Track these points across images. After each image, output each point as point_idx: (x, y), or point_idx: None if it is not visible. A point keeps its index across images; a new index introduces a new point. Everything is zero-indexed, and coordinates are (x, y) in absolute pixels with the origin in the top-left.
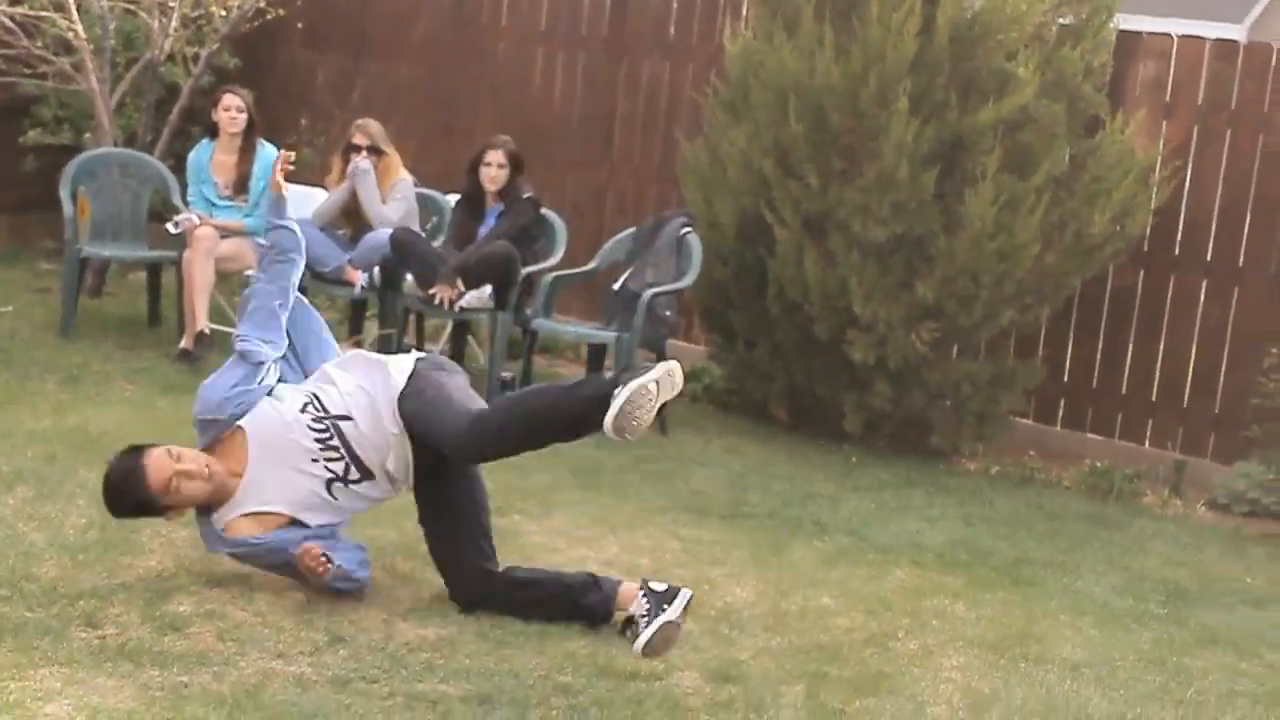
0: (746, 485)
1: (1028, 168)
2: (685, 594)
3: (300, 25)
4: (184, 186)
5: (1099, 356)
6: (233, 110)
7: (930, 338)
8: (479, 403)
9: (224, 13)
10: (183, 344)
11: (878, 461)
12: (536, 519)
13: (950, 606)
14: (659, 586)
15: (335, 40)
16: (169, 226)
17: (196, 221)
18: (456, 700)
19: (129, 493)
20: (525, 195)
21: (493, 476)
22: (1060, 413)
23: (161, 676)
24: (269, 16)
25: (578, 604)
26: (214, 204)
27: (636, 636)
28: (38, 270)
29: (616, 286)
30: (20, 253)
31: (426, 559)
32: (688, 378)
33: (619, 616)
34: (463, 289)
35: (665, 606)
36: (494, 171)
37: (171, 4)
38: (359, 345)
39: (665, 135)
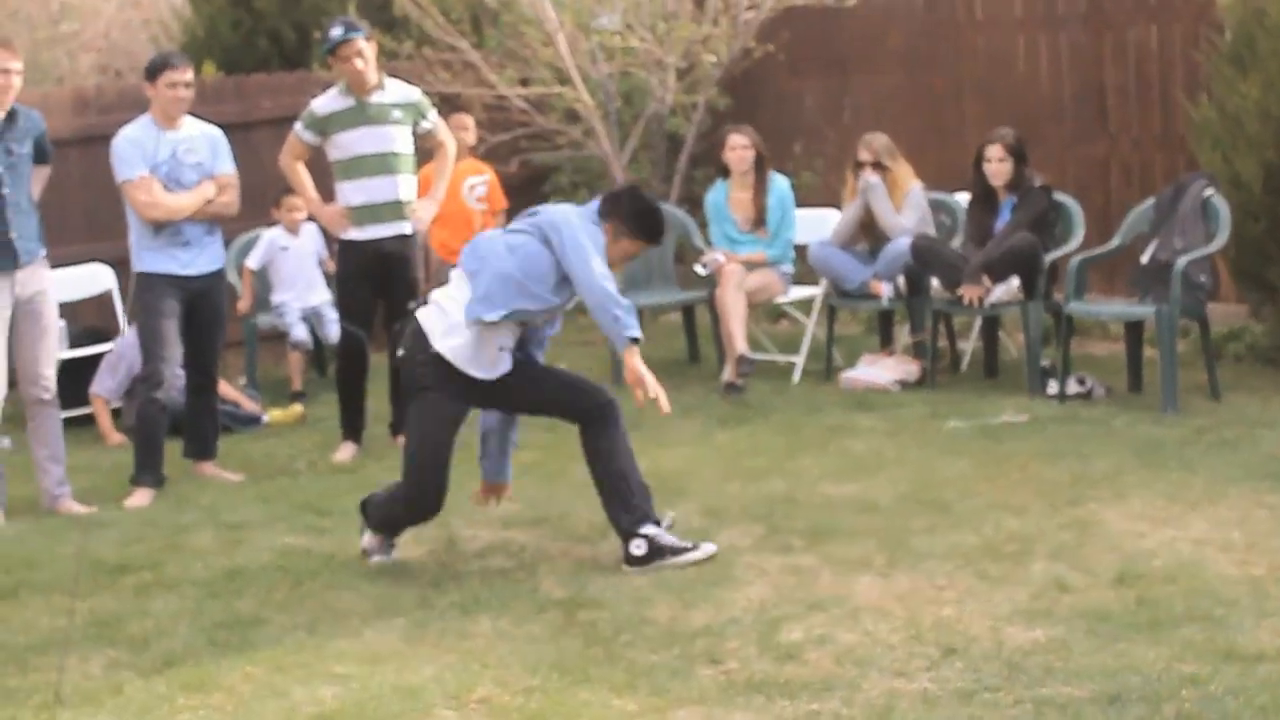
0: None
1: None
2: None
3: (783, 57)
4: (703, 227)
5: None
6: (739, 149)
7: None
8: None
9: (713, 58)
10: (726, 377)
11: None
12: (1112, 505)
13: None
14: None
15: (817, 64)
16: (698, 268)
17: (723, 260)
18: (1086, 702)
19: None
20: (1037, 184)
21: (1055, 465)
22: None
23: (793, 707)
24: (756, 54)
25: None
26: (735, 240)
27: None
28: (578, 325)
29: (1145, 259)
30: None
31: (1017, 560)
32: (1226, 338)
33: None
34: (989, 285)
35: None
36: (995, 166)
37: (667, 59)
38: (891, 354)
39: (1162, 100)
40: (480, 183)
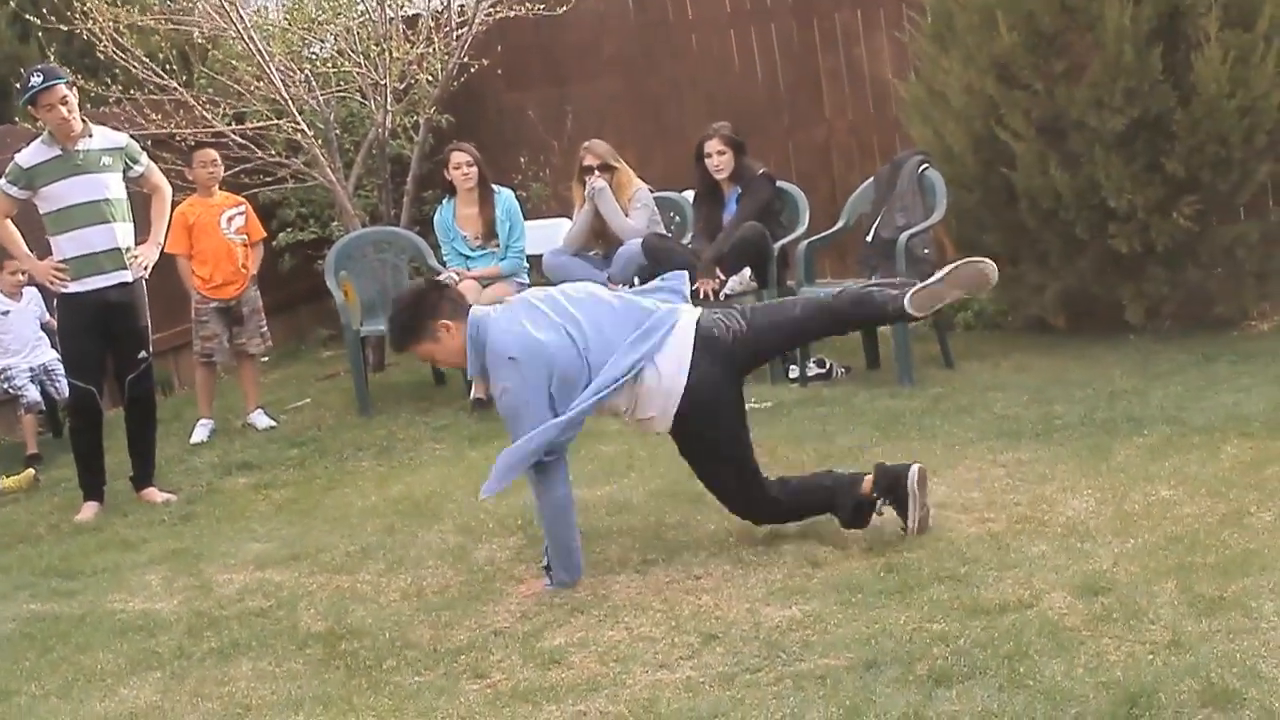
0: (1049, 399)
1: (1250, 18)
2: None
3: (500, 71)
4: (436, 249)
5: None
6: (463, 167)
7: (1192, 212)
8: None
9: (430, 78)
10: (473, 394)
11: (1169, 345)
12: None
13: None
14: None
15: (536, 76)
16: None
17: (457, 278)
18: (843, 671)
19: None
20: (759, 172)
21: (801, 447)
22: None
23: (559, 710)
24: (472, 70)
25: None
26: (468, 256)
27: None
28: (319, 359)
29: (869, 237)
30: (298, 348)
31: (769, 543)
32: (956, 309)
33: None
34: (723, 277)
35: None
36: (716, 159)
37: (382, 82)
38: None
39: (874, 82)
40: (237, 214)
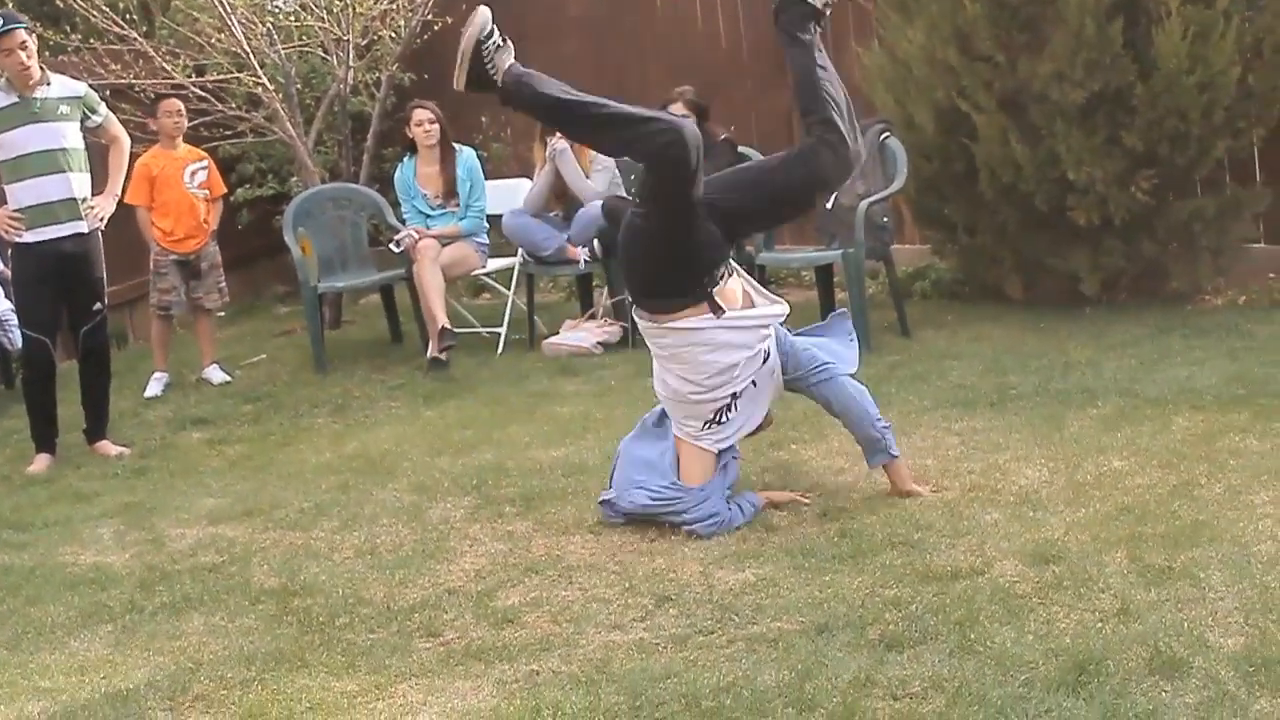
0: (1004, 368)
1: None
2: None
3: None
4: (396, 206)
5: None
6: (425, 124)
7: (1150, 186)
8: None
9: (393, 35)
10: (430, 353)
11: (1124, 317)
12: (812, 444)
13: (1242, 443)
14: None
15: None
16: (392, 247)
17: (416, 236)
18: (796, 634)
19: None
20: (721, 138)
21: None
22: None
23: (512, 669)
24: (436, 27)
25: None
26: (428, 215)
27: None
28: (276, 315)
29: (829, 204)
30: (254, 303)
31: None
32: (913, 277)
33: None
34: None
35: None
36: None
37: (345, 38)
38: (594, 318)
39: (837, 47)
40: (200, 168)
